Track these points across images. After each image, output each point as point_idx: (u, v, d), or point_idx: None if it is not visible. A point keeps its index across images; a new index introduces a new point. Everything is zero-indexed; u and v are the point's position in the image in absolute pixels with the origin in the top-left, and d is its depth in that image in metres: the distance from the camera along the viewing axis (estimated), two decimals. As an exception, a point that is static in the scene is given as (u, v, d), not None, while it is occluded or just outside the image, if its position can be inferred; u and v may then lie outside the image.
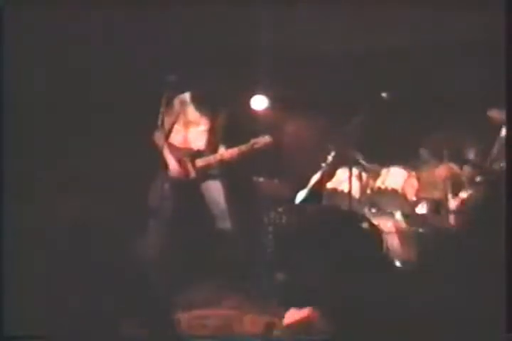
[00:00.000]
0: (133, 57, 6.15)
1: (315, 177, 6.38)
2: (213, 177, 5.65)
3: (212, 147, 5.69)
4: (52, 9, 5.48)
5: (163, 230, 5.45)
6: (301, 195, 6.49)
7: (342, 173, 6.07)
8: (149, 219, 5.49)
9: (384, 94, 5.67)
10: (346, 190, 5.71)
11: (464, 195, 6.17)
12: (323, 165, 6.26)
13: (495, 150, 5.64)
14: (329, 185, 6.15)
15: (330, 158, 6.22)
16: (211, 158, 5.64)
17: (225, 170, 5.75)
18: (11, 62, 4.71)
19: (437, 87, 6.02)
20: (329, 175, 6.22)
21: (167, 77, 5.46)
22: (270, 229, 6.37)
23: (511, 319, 3.19)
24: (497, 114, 5.63)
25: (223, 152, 5.64)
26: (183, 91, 5.80)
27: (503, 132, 5.62)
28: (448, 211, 5.98)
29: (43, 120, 6.01)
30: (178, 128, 5.69)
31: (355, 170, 5.82)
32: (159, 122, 5.40)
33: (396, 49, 6.16)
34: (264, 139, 5.60)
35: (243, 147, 5.60)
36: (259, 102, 6.88)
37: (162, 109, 5.43)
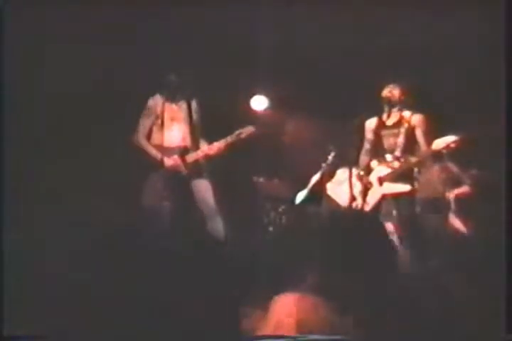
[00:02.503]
0: (133, 57, 6.15)
1: (315, 177, 6.39)
2: (203, 175, 5.61)
3: (196, 142, 5.65)
4: (52, 9, 5.49)
5: (160, 228, 5.41)
6: (301, 195, 6.50)
7: (342, 173, 6.07)
8: (146, 217, 5.46)
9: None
10: (346, 190, 5.70)
11: (462, 194, 6.18)
12: (323, 165, 6.27)
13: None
14: (329, 185, 6.16)
15: (330, 158, 6.23)
16: (198, 153, 5.60)
17: (221, 169, 5.71)
18: (11, 62, 4.71)
19: (437, 86, 6.02)
20: (329, 175, 6.22)
21: (166, 76, 5.46)
22: (270, 229, 6.39)
23: (511, 319, 3.19)
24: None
25: (210, 145, 5.59)
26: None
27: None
28: (447, 210, 5.99)
29: (43, 120, 6.02)
30: (159, 127, 5.64)
31: (355, 170, 5.81)
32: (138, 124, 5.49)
33: (396, 49, 6.16)
34: (248, 129, 5.55)
35: (228, 138, 5.55)
36: (259, 102, 6.89)
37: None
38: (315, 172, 6.39)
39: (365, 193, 5.73)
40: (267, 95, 6.89)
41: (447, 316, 3.04)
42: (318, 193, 6.18)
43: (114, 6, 5.60)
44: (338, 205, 5.91)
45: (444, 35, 5.99)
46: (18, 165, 5.27)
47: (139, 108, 5.66)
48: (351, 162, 5.70)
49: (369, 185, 5.68)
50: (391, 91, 5.64)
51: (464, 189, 6.16)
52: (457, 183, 6.18)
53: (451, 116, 5.90)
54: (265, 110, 6.91)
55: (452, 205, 6.03)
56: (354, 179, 5.69)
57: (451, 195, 6.08)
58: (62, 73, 6.01)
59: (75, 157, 6.17)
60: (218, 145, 5.55)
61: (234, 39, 6.14)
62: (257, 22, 5.89)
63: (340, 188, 6.01)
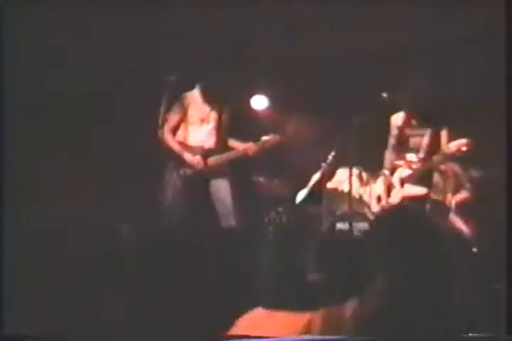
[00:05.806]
0: (133, 57, 6.15)
1: (315, 177, 6.39)
2: (223, 175, 5.59)
3: (221, 145, 5.63)
4: (52, 9, 5.49)
5: (175, 227, 5.38)
6: (301, 195, 6.49)
7: (342, 173, 6.07)
8: (163, 216, 5.45)
9: (384, 94, 5.66)
10: (346, 190, 5.70)
11: (464, 194, 6.18)
12: (323, 165, 6.27)
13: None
14: (329, 185, 6.15)
15: (330, 158, 6.23)
16: (224, 157, 5.59)
17: (232, 169, 5.69)
18: (11, 62, 4.71)
19: (437, 86, 6.02)
20: (329, 175, 6.22)
21: (168, 76, 5.45)
22: (270, 228, 6.38)
23: (511, 319, 3.19)
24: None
25: (237, 150, 5.59)
26: (183, 91, 5.75)
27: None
28: (448, 211, 5.99)
29: (43, 120, 6.02)
30: (186, 125, 5.61)
31: (355, 170, 5.81)
32: (163, 121, 5.40)
33: (396, 48, 6.16)
34: (274, 138, 5.59)
35: (256, 144, 5.57)
36: (259, 102, 6.88)
37: (162, 109, 5.42)
38: (315, 172, 6.39)
39: (388, 194, 5.75)
40: (267, 95, 6.88)
41: (446, 316, 3.04)
42: (318, 193, 6.18)
43: (114, 6, 5.60)
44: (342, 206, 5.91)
45: (444, 35, 6.00)
46: (20, 165, 5.28)
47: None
48: (351, 162, 5.70)
49: (392, 186, 5.69)
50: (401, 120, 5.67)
51: (464, 195, 6.18)
52: (458, 186, 6.18)
53: (451, 116, 5.90)
54: (265, 110, 6.90)
55: (453, 207, 6.04)
56: (381, 180, 5.71)
57: (453, 199, 6.10)
58: (63, 73, 6.01)
59: (87, 155, 6.17)
60: (247, 148, 5.55)
61: (233, 39, 6.14)
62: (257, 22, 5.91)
63: (341, 188, 6.01)
